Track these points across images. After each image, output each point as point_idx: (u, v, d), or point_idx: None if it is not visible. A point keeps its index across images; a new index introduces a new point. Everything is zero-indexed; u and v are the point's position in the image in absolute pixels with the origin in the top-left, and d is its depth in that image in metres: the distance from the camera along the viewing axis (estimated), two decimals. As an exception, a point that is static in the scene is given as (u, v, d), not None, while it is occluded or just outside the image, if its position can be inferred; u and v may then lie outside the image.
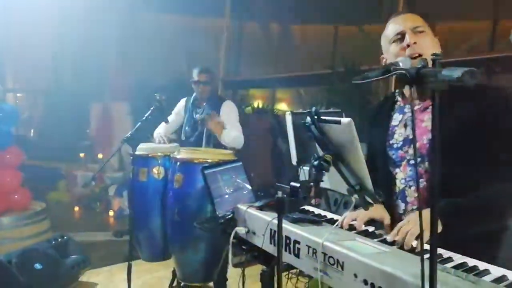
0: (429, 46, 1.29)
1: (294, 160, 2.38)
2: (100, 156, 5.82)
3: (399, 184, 1.39)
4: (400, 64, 1.12)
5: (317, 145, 1.19)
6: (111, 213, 5.14)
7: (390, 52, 1.36)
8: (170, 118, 2.94)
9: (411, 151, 1.35)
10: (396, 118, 1.43)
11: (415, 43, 1.29)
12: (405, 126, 1.38)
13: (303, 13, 5.92)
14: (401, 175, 1.38)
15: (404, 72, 0.87)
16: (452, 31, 4.52)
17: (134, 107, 5.74)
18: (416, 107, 1.35)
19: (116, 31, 7.05)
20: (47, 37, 6.51)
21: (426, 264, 0.81)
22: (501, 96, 1.24)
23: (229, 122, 2.82)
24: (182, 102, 3.08)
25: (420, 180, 1.31)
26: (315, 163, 1.11)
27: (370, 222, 1.36)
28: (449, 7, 4.44)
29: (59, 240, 2.89)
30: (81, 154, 5.91)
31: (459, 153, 1.22)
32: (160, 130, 2.96)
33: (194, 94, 2.99)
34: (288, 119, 2.41)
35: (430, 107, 1.30)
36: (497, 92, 1.25)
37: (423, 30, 1.30)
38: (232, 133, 2.78)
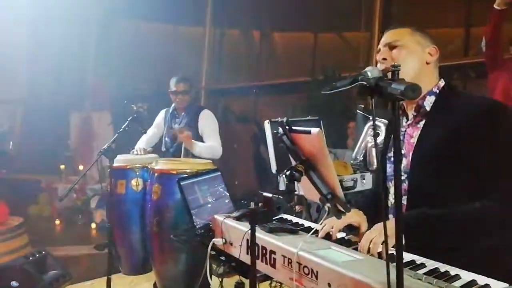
0: (403, 59, 1.28)
1: (273, 168, 2.39)
2: (81, 167, 5.71)
3: (391, 199, 1.39)
4: (368, 73, 1.14)
5: (289, 155, 1.20)
6: (93, 225, 5.04)
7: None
8: (150, 130, 2.94)
9: (401, 165, 1.31)
10: (390, 131, 1.44)
11: (384, 59, 1.31)
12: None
13: (283, 21, 5.98)
14: (393, 189, 1.36)
15: (364, 83, 0.88)
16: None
17: (115, 116, 5.68)
18: (408, 122, 1.34)
19: (96, 39, 6.99)
20: (24, 46, 6.40)
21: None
22: (483, 111, 1.20)
23: (206, 132, 2.82)
24: (162, 114, 3.07)
25: (404, 196, 1.29)
26: (287, 173, 1.12)
27: (349, 227, 1.37)
28: (424, 15, 4.56)
29: (37, 255, 2.80)
30: (62, 166, 5.79)
31: (440, 166, 1.22)
32: (142, 143, 2.94)
33: (173, 104, 2.98)
34: (267, 127, 2.42)
35: (421, 122, 1.30)
36: (480, 106, 1.21)
37: (398, 44, 1.31)
38: (208, 144, 2.77)
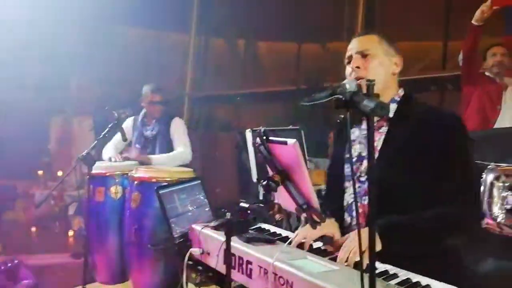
0: (373, 69, 1.33)
1: (254, 177, 2.40)
2: (60, 173, 5.58)
3: (348, 198, 1.44)
4: (346, 86, 1.16)
5: (267, 165, 1.21)
6: (70, 233, 4.92)
7: (346, 73, 1.42)
8: (117, 137, 2.91)
9: (362, 167, 1.39)
10: (354, 132, 1.46)
11: (357, 67, 1.34)
12: (359, 143, 1.43)
13: (268, 30, 6.04)
14: (350, 189, 1.42)
15: (341, 97, 0.90)
16: (407, 51, 4.75)
17: (97, 121, 5.59)
18: None
19: (80, 43, 6.89)
20: (5, 48, 6.26)
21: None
22: (449, 124, 1.27)
23: (176, 137, 2.90)
24: (130, 121, 3.07)
25: (364, 197, 1.35)
26: (264, 183, 1.13)
27: (323, 236, 1.38)
28: (405, 27, 4.67)
29: (9, 264, 2.73)
30: (40, 171, 5.65)
31: (404, 171, 1.27)
32: (111, 151, 2.90)
33: (143, 111, 3.01)
34: (248, 136, 2.44)
35: (383, 127, 1.36)
36: (446, 119, 1.29)
37: (369, 53, 1.35)
38: (170, 154, 2.84)
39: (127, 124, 3.07)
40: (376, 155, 1.32)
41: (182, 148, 2.87)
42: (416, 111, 1.33)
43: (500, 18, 3.48)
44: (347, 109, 0.92)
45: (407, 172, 1.26)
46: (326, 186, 1.66)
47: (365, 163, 1.37)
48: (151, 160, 2.76)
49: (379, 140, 1.35)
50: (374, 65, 1.34)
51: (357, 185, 1.40)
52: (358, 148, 1.43)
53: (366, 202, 1.34)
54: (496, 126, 2.79)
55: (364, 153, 1.38)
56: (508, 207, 1.84)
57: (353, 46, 1.39)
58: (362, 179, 1.38)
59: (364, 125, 1.42)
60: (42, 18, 5.81)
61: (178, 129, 2.94)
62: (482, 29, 2.65)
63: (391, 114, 1.35)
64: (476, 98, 2.88)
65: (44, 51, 6.11)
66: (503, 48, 2.88)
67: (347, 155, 1.44)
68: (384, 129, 1.36)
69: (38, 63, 6.25)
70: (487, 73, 2.91)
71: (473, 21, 2.65)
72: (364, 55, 1.35)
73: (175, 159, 2.82)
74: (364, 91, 0.91)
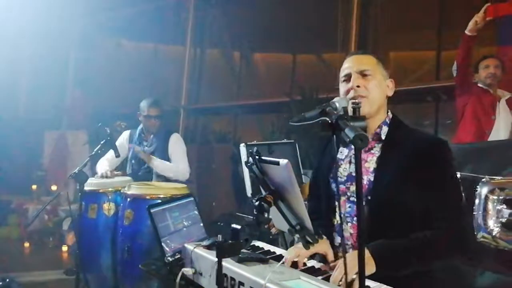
0: (373, 89, 1.34)
1: (248, 192, 2.38)
2: (54, 188, 5.54)
3: (337, 218, 1.41)
4: (336, 104, 1.16)
5: (260, 185, 1.20)
6: (64, 248, 4.85)
7: (340, 90, 1.41)
8: (111, 152, 2.88)
9: (352, 188, 1.38)
10: (343, 152, 1.46)
11: (358, 86, 1.34)
12: (350, 162, 1.41)
13: (263, 42, 6.07)
14: (340, 209, 1.40)
15: (327, 120, 0.90)
16: (401, 61, 4.78)
17: (92, 136, 5.56)
18: None
19: (75, 56, 6.90)
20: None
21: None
22: (429, 147, 1.30)
23: (174, 154, 2.86)
24: (125, 135, 3.04)
25: (356, 218, 1.33)
26: (256, 203, 1.11)
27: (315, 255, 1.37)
28: (399, 37, 4.71)
29: (1, 283, 2.68)
30: (34, 186, 5.60)
31: (396, 193, 1.27)
32: (104, 166, 2.85)
33: (140, 127, 2.97)
34: (243, 150, 2.42)
35: (374, 148, 1.36)
36: (426, 142, 1.32)
37: (369, 73, 1.35)
38: (169, 163, 2.81)
39: (123, 137, 3.04)
40: (370, 176, 1.32)
41: (183, 165, 2.85)
42: (406, 134, 1.36)
43: (493, 28, 3.52)
44: (333, 132, 0.91)
45: (402, 194, 1.26)
46: (309, 201, 1.62)
47: None
48: (152, 161, 2.74)
49: (370, 161, 1.35)
50: (374, 85, 1.35)
51: (347, 205, 1.39)
52: (348, 168, 1.41)
53: (355, 223, 1.34)
54: (491, 137, 2.79)
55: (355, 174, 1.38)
56: (503, 220, 1.82)
57: (352, 65, 1.38)
58: (353, 199, 1.37)
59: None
60: (35, 30, 5.81)
61: (177, 146, 2.91)
62: (476, 39, 2.66)
63: (383, 136, 1.36)
64: (470, 108, 2.89)
65: (36, 64, 6.10)
66: (496, 59, 2.90)
67: (339, 176, 1.43)
68: (376, 150, 1.36)
69: (31, 77, 6.25)
70: (480, 84, 2.93)
71: (466, 31, 2.66)
72: (364, 74, 1.35)
73: (174, 172, 2.79)
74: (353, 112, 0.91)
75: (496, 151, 2.13)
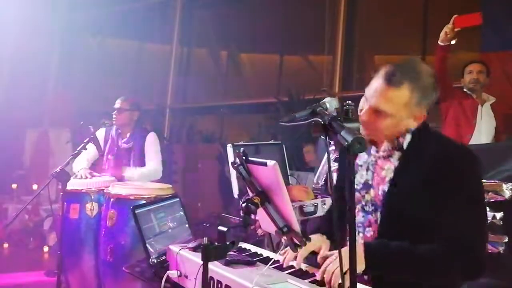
0: (384, 129, 1.21)
1: (235, 193, 2.36)
2: (35, 187, 5.40)
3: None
4: (327, 104, 1.15)
5: (247, 186, 1.18)
6: (46, 249, 4.74)
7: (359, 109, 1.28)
8: (89, 149, 2.84)
9: (368, 197, 1.30)
10: (361, 157, 1.34)
11: (365, 121, 1.22)
12: (367, 169, 1.31)
13: (250, 42, 6.06)
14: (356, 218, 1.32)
15: (319, 120, 0.88)
16: (386, 64, 4.83)
17: (75, 134, 5.45)
18: (380, 153, 1.28)
19: (58, 54, 6.75)
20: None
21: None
22: (453, 160, 1.18)
23: (148, 153, 2.90)
24: (102, 132, 3.02)
25: (368, 228, 1.29)
26: (243, 205, 1.09)
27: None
28: (384, 40, 4.77)
29: (-23, 286, 2.59)
30: (14, 185, 5.45)
31: (413, 205, 1.18)
32: (83, 163, 2.81)
33: None
34: (230, 151, 2.40)
35: (394, 156, 1.25)
36: (451, 155, 1.19)
37: (385, 114, 1.18)
38: (141, 171, 2.85)
39: (99, 135, 3.01)
40: (385, 186, 1.25)
41: (153, 165, 2.89)
42: (430, 144, 1.22)
43: (478, 35, 3.59)
44: (325, 133, 0.89)
45: (418, 209, 1.18)
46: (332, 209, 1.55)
47: (372, 192, 1.28)
48: (124, 173, 2.78)
49: (388, 169, 1.25)
50: (386, 126, 1.19)
51: (361, 214, 1.31)
52: (365, 175, 1.31)
53: (369, 234, 1.28)
54: (472, 141, 2.83)
55: (371, 182, 1.29)
56: (487, 223, 1.85)
57: (373, 96, 1.19)
58: (368, 208, 1.29)
59: (373, 150, 1.30)
60: (17, 27, 5.67)
61: (151, 145, 2.94)
62: (449, 48, 2.70)
63: (405, 145, 1.23)
64: (451, 113, 2.93)
65: (18, 61, 5.95)
66: (480, 65, 2.95)
67: (359, 181, 1.32)
68: (395, 159, 1.25)
69: (13, 74, 6.09)
70: (465, 89, 2.97)
71: (439, 42, 2.71)
72: (378, 112, 1.19)
73: (146, 176, 2.83)
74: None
75: (480, 154, 2.16)
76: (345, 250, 0.95)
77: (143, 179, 2.78)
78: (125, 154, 2.88)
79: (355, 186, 1.32)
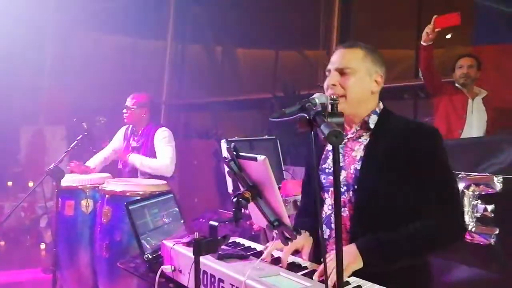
0: (351, 87, 1.31)
1: (229, 188, 2.38)
2: (30, 184, 5.39)
3: (326, 210, 1.40)
4: (316, 99, 1.16)
5: (238, 181, 1.19)
6: (42, 246, 4.74)
7: (324, 85, 1.38)
8: (110, 146, 2.85)
9: (341, 178, 1.34)
10: None
11: (334, 84, 1.32)
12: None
13: (245, 37, 6.05)
14: (329, 201, 1.40)
15: (305, 116, 0.90)
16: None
17: (70, 131, 5.44)
18: (349, 136, 1.37)
19: (53, 50, 6.71)
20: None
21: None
22: (429, 135, 1.28)
23: (158, 148, 2.81)
24: (122, 130, 3.02)
25: (343, 209, 1.32)
26: (234, 200, 1.10)
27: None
28: (380, 35, 4.77)
29: (-26, 283, 2.60)
30: (9, 183, 5.44)
31: (385, 182, 1.26)
32: (97, 159, 2.85)
33: None
34: (224, 146, 2.41)
35: (362, 137, 1.34)
36: (417, 131, 1.29)
37: (349, 71, 1.31)
38: (152, 163, 2.78)
39: (120, 133, 3.04)
40: (357, 164, 1.31)
41: (160, 159, 2.77)
42: (395, 123, 1.33)
43: (470, 29, 3.60)
44: (311, 128, 0.90)
45: (391, 183, 1.25)
46: (301, 198, 1.63)
47: (344, 173, 1.34)
48: (128, 157, 2.75)
49: (358, 149, 1.33)
50: (352, 83, 1.31)
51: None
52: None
53: (345, 214, 1.32)
54: (463, 135, 2.85)
55: (342, 163, 1.35)
56: (478, 215, 1.87)
57: (334, 60, 1.35)
58: (341, 189, 1.34)
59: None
60: (11, 25, 5.63)
61: (159, 141, 2.83)
62: (432, 47, 2.73)
63: (372, 125, 1.33)
64: (442, 107, 2.96)
65: (12, 58, 5.91)
66: (471, 59, 2.96)
67: (326, 168, 1.41)
68: (364, 139, 1.34)
69: (7, 71, 6.05)
70: (456, 84, 2.99)
71: (421, 42, 2.73)
72: (342, 72, 1.32)
73: (153, 169, 2.74)
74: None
75: (471, 147, 2.19)
76: (344, 249, 0.97)
77: (149, 170, 2.71)
78: (136, 152, 2.83)
79: (327, 170, 1.40)
